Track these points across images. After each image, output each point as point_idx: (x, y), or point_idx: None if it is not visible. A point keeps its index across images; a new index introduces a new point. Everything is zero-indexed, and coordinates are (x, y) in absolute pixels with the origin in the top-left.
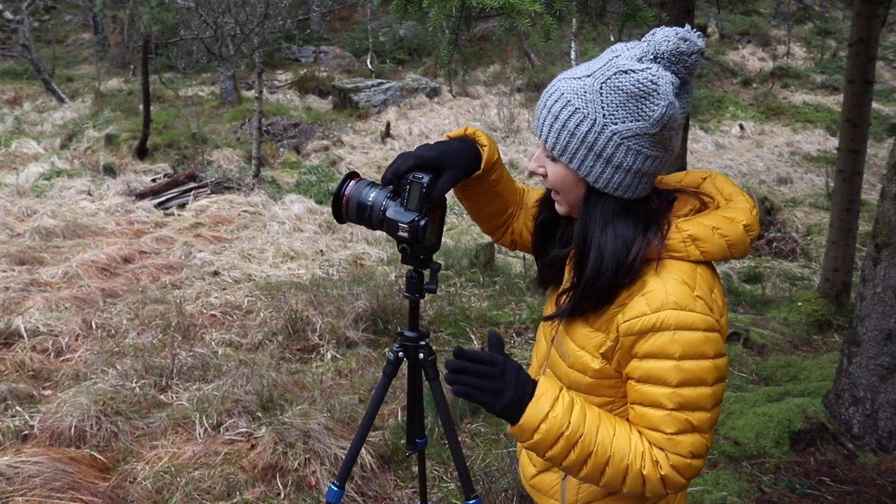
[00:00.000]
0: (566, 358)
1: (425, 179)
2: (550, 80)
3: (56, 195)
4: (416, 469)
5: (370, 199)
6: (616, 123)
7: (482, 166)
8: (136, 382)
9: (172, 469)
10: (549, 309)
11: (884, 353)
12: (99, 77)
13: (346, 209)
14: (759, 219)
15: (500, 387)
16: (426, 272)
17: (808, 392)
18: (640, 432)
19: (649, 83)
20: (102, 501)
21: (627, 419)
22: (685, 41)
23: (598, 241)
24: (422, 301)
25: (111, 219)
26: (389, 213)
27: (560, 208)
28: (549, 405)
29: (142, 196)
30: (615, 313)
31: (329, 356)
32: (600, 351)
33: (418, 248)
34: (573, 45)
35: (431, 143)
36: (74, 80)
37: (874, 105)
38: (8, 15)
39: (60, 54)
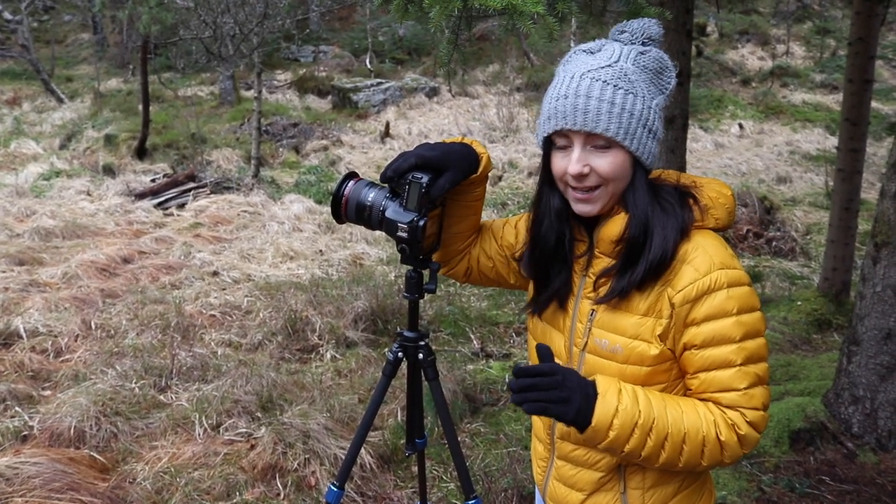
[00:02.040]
0: (618, 354)
1: (424, 179)
2: (549, 80)
3: (55, 195)
4: (415, 469)
5: (369, 199)
6: (654, 97)
7: (480, 171)
8: (135, 383)
9: (172, 469)
10: (579, 330)
11: (883, 353)
12: (98, 77)
13: (346, 209)
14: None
15: (567, 395)
16: (425, 272)
17: (807, 391)
18: (705, 401)
19: (661, 59)
20: (102, 502)
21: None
22: (659, 26)
23: (659, 218)
24: (421, 301)
25: (110, 219)
26: (389, 213)
27: (592, 207)
28: (615, 399)
29: (141, 196)
30: (661, 292)
31: (328, 356)
32: (657, 334)
33: (417, 249)
34: (573, 44)
35: (432, 142)
36: (74, 80)
37: (873, 104)
38: (7, 15)
39: (59, 54)
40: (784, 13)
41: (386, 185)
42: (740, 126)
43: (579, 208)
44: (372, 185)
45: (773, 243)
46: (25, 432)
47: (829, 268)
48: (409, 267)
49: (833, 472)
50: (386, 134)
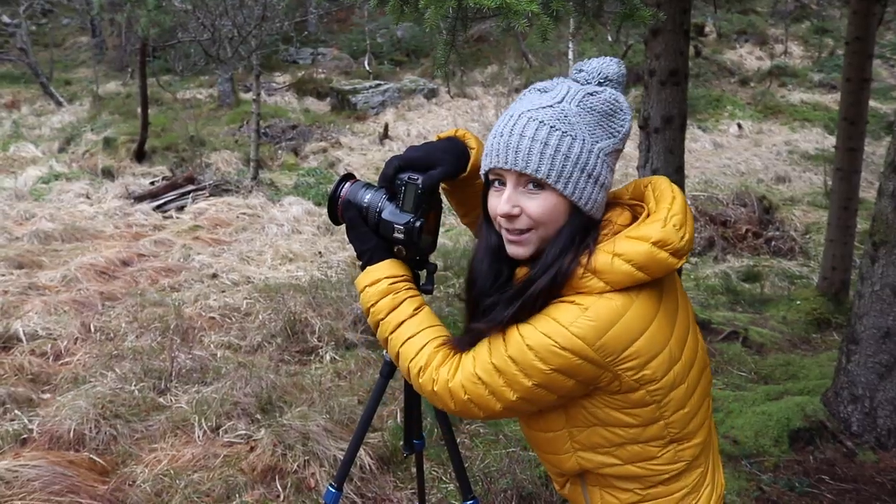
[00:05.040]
0: None
1: (420, 180)
2: (547, 80)
3: (54, 199)
4: (415, 470)
5: (366, 200)
6: (598, 141)
7: (469, 167)
8: (135, 385)
9: (172, 472)
10: None
11: (882, 351)
12: (97, 80)
13: (342, 211)
14: (686, 226)
15: (368, 247)
16: (422, 273)
17: (807, 390)
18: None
19: (614, 101)
20: None
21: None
22: (620, 65)
23: (559, 261)
24: None
25: (110, 222)
26: (385, 215)
27: (524, 250)
28: (366, 281)
29: (140, 199)
30: None
31: (328, 358)
32: None
33: (414, 250)
34: (570, 45)
35: (419, 143)
36: (72, 83)
37: (871, 103)
38: (5, 19)
39: (58, 58)
40: (782, 13)
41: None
42: (739, 126)
43: (511, 250)
44: (368, 186)
45: (772, 243)
46: (25, 435)
47: (828, 267)
48: None
49: (832, 472)
50: (385, 136)
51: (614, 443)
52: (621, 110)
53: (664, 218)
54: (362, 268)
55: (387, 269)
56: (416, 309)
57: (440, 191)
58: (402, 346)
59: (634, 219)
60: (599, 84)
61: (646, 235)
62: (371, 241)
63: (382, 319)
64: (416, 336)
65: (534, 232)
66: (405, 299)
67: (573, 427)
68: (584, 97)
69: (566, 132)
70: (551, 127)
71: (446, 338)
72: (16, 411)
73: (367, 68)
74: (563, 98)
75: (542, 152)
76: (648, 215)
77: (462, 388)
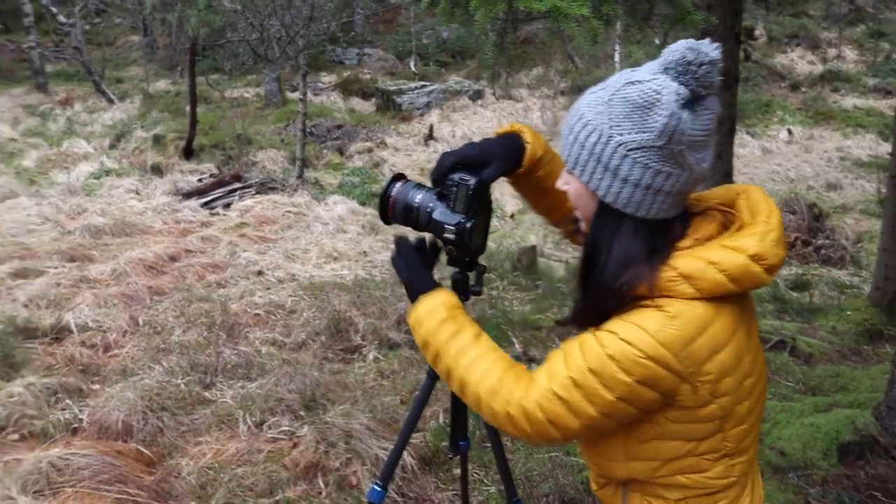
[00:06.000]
0: None
1: (472, 181)
2: (594, 83)
3: (105, 194)
4: (457, 472)
5: (416, 200)
6: (622, 134)
7: (525, 163)
8: (181, 379)
9: (216, 465)
10: None
11: None
12: (147, 78)
13: (393, 211)
14: (782, 242)
15: (414, 278)
16: (472, 274)
17: (857, 403)
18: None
19: (653, 93)
20: (148, 495)
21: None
22: (692, 51)
23: (604, 256)
24: (465, 303)
25: (158, 218)
26: (436, 215)
27: (581, 225)
28: (423, 311)
29: (188, 196)
30: None
31: (371, 357)
32: None
33: (464, 251)
34: (617, 47)
35: (475, 141)
36: (124, 81)
37: None
38: (61, 18)
39: (110, 56)
40: (836, 16)
41: (433, 186)
42: (789, 131)
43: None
44: (419, 186)
45: (822, 251)
46: (75, 425)
47: (881, 277)
48: (455, 269)
49: (885, 488)
50: (429, 136)
51: (670, 456)
52: (658, 104)
53: (762, 232)
54: (412, 298)
55: (443, 297)
56: (477, 335)
57: (493, 190)
58: (467, 372)
59: (724, 227)
60: (662, 71)
61: (743, 247)
62: (419, 270)
63: (443, 348)
64: (483, 360)
65: (577, 211)
66: (465, 325)
67: (630, 438)
68: (623, 86)
69: (588, 121)
70: (581, 114)
71: (513, 361)
72: (67, 401)
73: (413, 69)
74: (608, 85)
75: (566, 137)
76: (741, 227)
77: (538, 406)
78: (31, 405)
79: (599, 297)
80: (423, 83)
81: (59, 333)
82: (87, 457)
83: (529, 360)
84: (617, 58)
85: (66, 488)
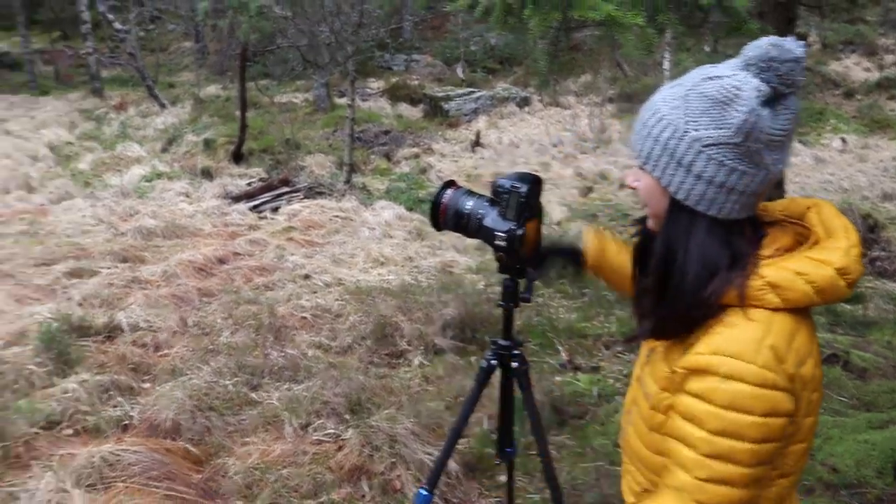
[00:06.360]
0: (649, 399)
1: (523, 189)
2: (642, 91)
3: (156, 196)
4: (500, 478)
5: (468, 207)
6: (697, 130)
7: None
8: (229, 380)
9: (262, 466)
10: (641, 360)
11: None
12: (199, 84)
13: (444, 217)
14: (861, 258)
15: None
16: (522, 281)
17: None
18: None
19: (732, 88)
20: (195, 493)
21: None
22: (776, 47)
23: (681, 256)
24: (514, 311)
25: (207, 221)
26: (487, 222)
27: (650, 223)
28: None
29: (237, 199)
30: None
31: (416, 362)
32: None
33: (515, 258)
34: (666, 55)
35: None
36: (175, 86)
37: None
38: (117, 25)
39: (163, 62)
40: (893, 22)
41: (484, 193)
42: (843, 140)
43: (648, 221)
44: (470, 193)
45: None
46: (126, 421)
47: None
48: (506, 276)
49: None
50: (477, 143)
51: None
52: (737, 99)
53: (845, 247)
54: None
55: None
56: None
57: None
58: None
59: (797, 241)
60: (743, 67)
61: (829, 260)
62: None
63: None
64: None
65: (647, 207)
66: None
67: None
68: (701, 80)
69: (663, 116)
70: (656, 109)
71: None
72: (118, 398)
73: (461, 75)
74: (685, 80)
75: (640, 131)
76: (817, 242)
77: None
78: (85, 401)
79: (683, 305)
80: (470, 89)
81: (111, 332)
82: (137, 453)
83: (576, 368)
84: (666, 65)
85: (117, 483)
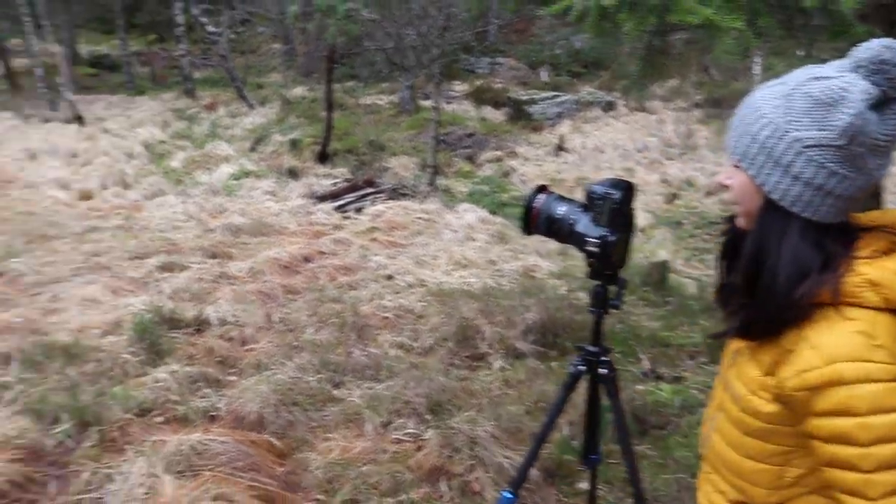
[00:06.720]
0: (738, 402)
1: (617, 195)
2: (731, 96)
3: (244, 195)
4: (580, 486)
5: (560, 212)
6: (799, 130)
7: None
8: (312, 376)
9: (343, 461)
10: (726, 363)
11: None
12: (286, 85)
13: (536, 221)
14: None
15: None
16: (612, 288)
17: None
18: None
19: (839, 89)
20: (278, 485)
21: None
22: (889, 49)
23: (773, 257)
24: (603, 317)
25: (293, 219)
26: (579, 227)
27: (740, 221)
28: None
29: (322, 199)
30: (780, 358)
31: (497, 365)
32: (773, 395)
33: (607, 264)
34: (758, 59)
35: None
36: (264, 87)
37: None
38: (209, 28)
39: (252, 63)
40: None
41: (575, 199)
42: None
43: (737, 220)
44: (562, 198)
45: None
46: (213, 412)
47: None
48: (596, 282)
49: None
50: (560, 147)
51: (824, 484)
52: (844, 101)
53: None
54: None
55: None
56: None
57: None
58: None
59: (892, 249)
60: (853, 69)
61: None
62: None
63: None
64: None
65: (738, 206)
66: None
67: (792, 465)
68: (806, 80)
69: (764, 114)
70: (756, 107)
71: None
72: (206, 389)
73: (545, 79)
74: (789, 80)
75: (737, 129)
76: None
77: None
78: (175, 391)
79: (773, 306)
80: (554, 93)
81: (200, 325)
82: (224, 444)
83: (658, 377)
84: (757, 70)
85: (204, 471)
